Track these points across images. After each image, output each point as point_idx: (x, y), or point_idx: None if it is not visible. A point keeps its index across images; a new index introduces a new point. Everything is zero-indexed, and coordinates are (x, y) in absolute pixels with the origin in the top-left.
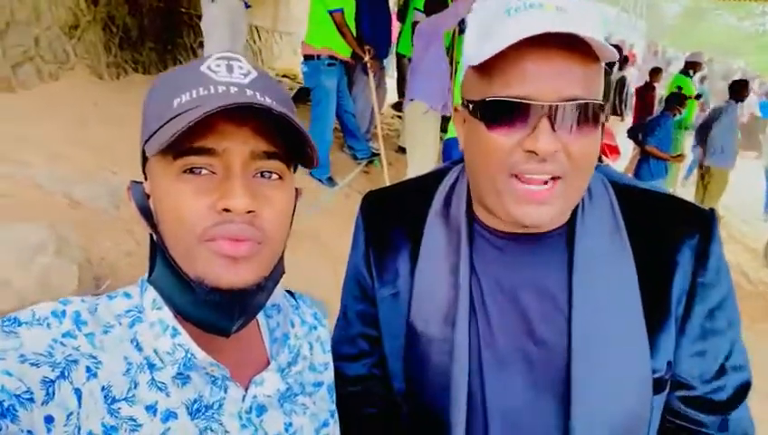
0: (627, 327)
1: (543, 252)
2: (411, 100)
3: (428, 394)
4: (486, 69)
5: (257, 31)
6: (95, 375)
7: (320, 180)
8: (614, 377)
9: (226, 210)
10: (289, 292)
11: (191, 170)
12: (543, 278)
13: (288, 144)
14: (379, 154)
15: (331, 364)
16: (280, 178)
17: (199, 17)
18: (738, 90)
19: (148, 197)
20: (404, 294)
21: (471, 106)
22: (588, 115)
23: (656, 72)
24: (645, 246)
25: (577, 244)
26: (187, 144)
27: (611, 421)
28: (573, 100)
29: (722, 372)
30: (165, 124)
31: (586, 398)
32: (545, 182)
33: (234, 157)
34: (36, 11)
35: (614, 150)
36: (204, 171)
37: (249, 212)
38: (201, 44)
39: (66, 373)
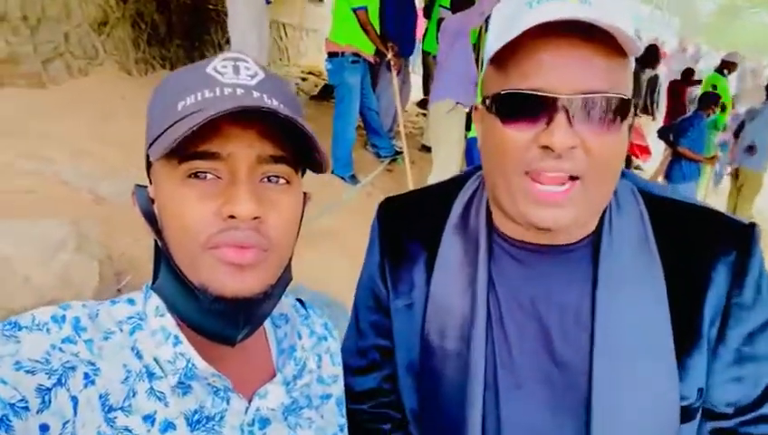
0: (653, 350)
1: (567, 266)
2: (437, 99)
3: (443, 410)
4: (503, 62)
5: (284, 28)
6: (93, 382)
7: (342, 178)
8: (638, 403)
9: (231, 217)
10: (299, 300)
11: (196, 175)
12: (566, 294)
13: (296, 148)
14: (402, 152)
15: (341, 377)
16: (287, 182)
17: (227, 14)
18: None
19: (153, 201)
20: (419, 306)
21: (487, 101)
22: (610, 110)
23: (689, 73)
24: (676, 261)
25: (602, 258)
26: (191, 148)
27: None
28: (593, 93)
29: (762, 401)
30: (169, 127)
31: (607, 424)
32: (562, 183)
33: (239, 161)
34: (67, 8)
35: (645, 151)
36: (209, 176)
37: (255, 218)
38: (228, 41)
39: (63, 380)
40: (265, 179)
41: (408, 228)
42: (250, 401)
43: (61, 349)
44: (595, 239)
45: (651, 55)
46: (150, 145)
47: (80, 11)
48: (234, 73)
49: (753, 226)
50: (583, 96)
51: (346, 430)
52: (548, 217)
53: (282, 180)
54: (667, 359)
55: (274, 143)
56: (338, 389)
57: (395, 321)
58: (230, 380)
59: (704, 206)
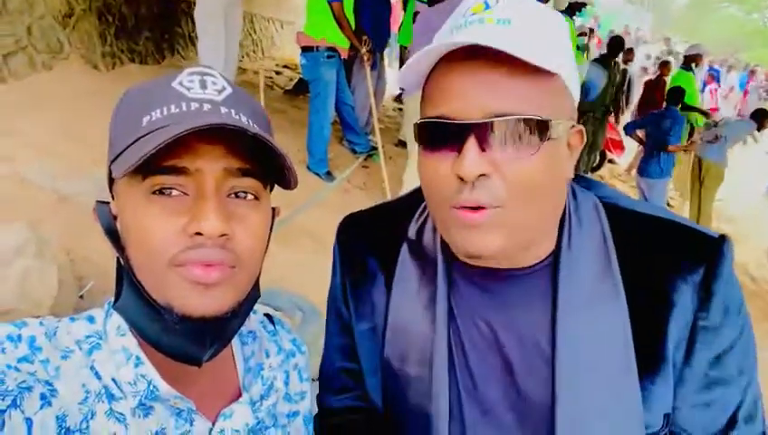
0: (616, 377)
1: (525, 290)
2: (408, 93)
3: (411, 430)
4: (424, 90)
5: (257, 20)
6: (49, 404)
7: (317, 174)
8: (603, 432)
9: (198, 233)
10: (268, 316)
11: (161, 191)
12: (525, 321)
13: (265, 163)
14: (377, 148)
15: (309, 394)
16: (255, 198)
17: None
18: (761, 120)
19: (116, 218)
20: (380, 329)
21: (414, 131)
22: (525, 133)
23: (665, 66)
24: (639, 281)
25: (561, 282)
26: (156, 163)
27: None
28: (503, 116)
29: (731, 425)
30: (133, 143)
31: None
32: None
33: (206, 176)
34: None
35: (618, 145)
36: (174, 192)
37: (222, 235)
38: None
39: (18, 402)
40: (233, 195)
41: (366, 247)
42: (214, 422)
43: (17, 368)
44: (554, 261)
45: (615, 48)
46: (113, 160)
47: (43, 2)
48: (200, 88)
49: (723, 239)
50: (491, 120)
51: None
52: (475, 242)
53: (250, 196)
54: (630, 386)
55: (242, 158)
56: (305, 405)
57: (359, 344)
58: (194, 399)
59: (671, 218)
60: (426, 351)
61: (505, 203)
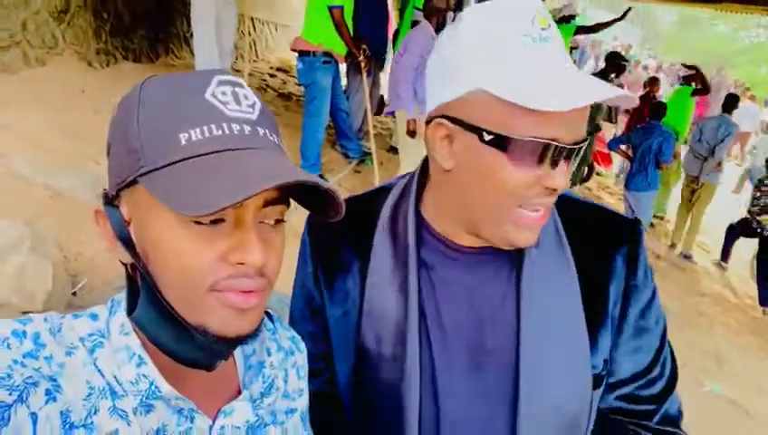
0: (571, 331)
1: (497, 263)
2: (393, 108)
3: (379, 414)
4: (509, 103)
5: (252, 22)
6: (54, 399)
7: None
8: (559, 377)
9: (241, 263)
10: (267, 313)
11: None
12: (494, 287)
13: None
14: (370, 153)
15: (307, 391)
16: (280, 220)
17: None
18: (732, 103)
19: (127, 223)
20: (353, 314)
21: (485, 134)
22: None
23: (654, 82)
24: (584, 254)
25: (525, 255)
26: None
27: (556, 419)
28: (583, 142)
29: (653, 365)
30: (174, 164)
31: (533, 400)
32: (538, 210)
33: (248, 207)
34: None
35: (606, 159)
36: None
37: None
38: (193, 35)
39: (24, 397)
40: (263, 221)
41: (339, 237)
42: (214, 419)
43: (23, 364)
44: None
45: (614, 63)
46: (143, 172)
47: None
48: (236, 104)
49: (638, 221)
50: (579, 146)
51: None
52: (530, 238)
53: (277, 220)
54: (581, 338)
55: (280, 188)
56: (303, 403)
57: (332, 328)
58: (194, 397)
59: (600, 205)
60: (399, 329)
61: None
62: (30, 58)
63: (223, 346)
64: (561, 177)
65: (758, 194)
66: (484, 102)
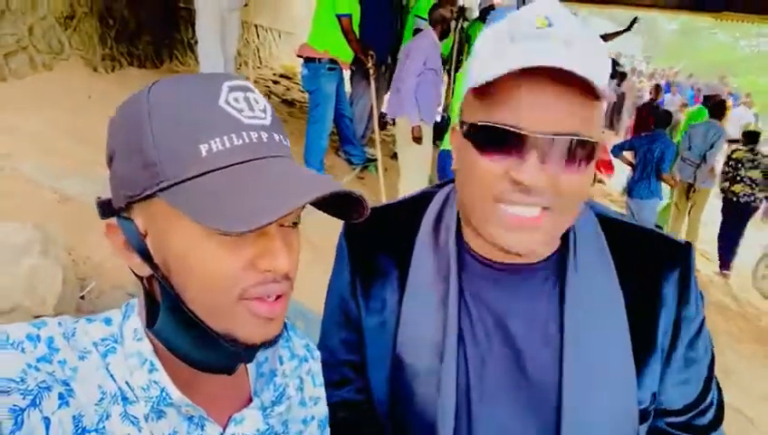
0: (616, 362)
1: (533, 283)
2: (392, 114)
3: (415, 427)
4: (484, 93)
5: (256, 29)
6: (67, 404)
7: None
8: (603, 412)
9: (268, 271)
10: None
11: None
12: (534, 309)
13: None
14: (375, 160)
15: (323, 398)
16: (295, 223)
17: None
18: (719, 110)
19: (144, 235)
20: (391, 324)
21: (465, 128)
22: (580, 152)
23: (657, 89)
24: (632, 280)
25: (568, 277)
26: None
27: None
28: (565, 134)
29: (703, 396)
30: (197, 178)
31: (576, 432)
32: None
33: None
34: (32, 0)
35: (608, 166)
36: None
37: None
38: (197, 41)
39: (38, 401)
40: (281, 224)
41: (377, 246)
42: (225, 427)
43: (37, 368)
44: (559, 258)
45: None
46: (166, 187)
47: (45, 3)
48: (249, 111)
49: (690, 245)
50: (556, 137)
51: None
52: (518, 241)
53: (295, 222)
54: (627, 370)
55: None
56: (320, 411)
57: (367, 338)
58: (205, 404)
59: (646, 227)
60: (437, 345)
61: (554, 207)
62: (36, 63)
63: (251, 352)
64: (529, 170)
65: (726, 169)
66: (468, 100)
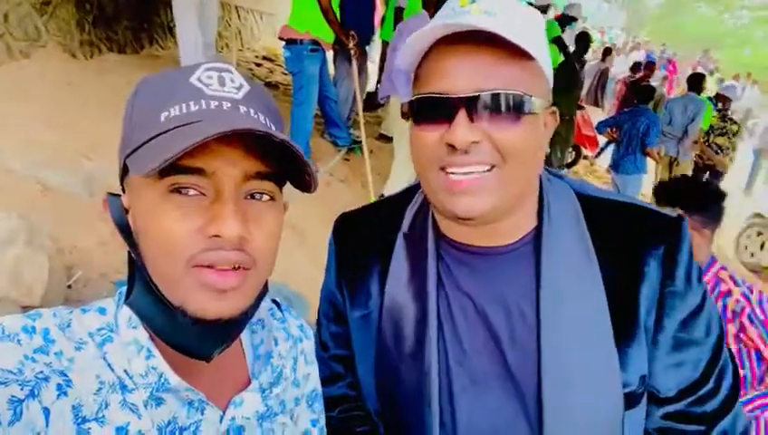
0: (595, 343)
1: (509, 266)
2: (383, 93)
3: (402, 413)
4: (417, 74)
5: (237, 11)
6: (65, 394)
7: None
8: (585, 394)
9: (216, 236)
10: (275, 302)
11: (178, 190)
12: (511, 295)
13: (280, 163)
14: (360, 142)
15: (314, 375)
16: (271, 199)
17: None
18: (697, 83)
19: (127, 211)
20: (375, 315)
21: (404, 107)
22: (508, 105)
23: (650, 67)
24: (611, 257)
25: (543, 258)
26: (175, 163)
27: None
28: (489, 91)
29: (703, 381)
30: (151, 139)
31: (558, 416)
32: (471, 172)
33: (225, 178)
34: None
35: (593, 142)
36: (191, 191)
37: (240, 238)
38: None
39: (36, 392)
40: (249, 196)
41: (363, 241)
42: (225, 409)
43: (33, 359)
44: (535, 239)
45: (582, 44)
46: (129, 154)
47: None
48: (219, 85)
49: (681, 218)
50: (481, 93)
51: (320, 424)
52: (466, 205)
53: (266, 197)
54: (608, 351)
55: (260, 160)
56: (310, 386)
57: (353, 331)
58: (203, 388)
59: (634, 202)
60: (418, 329)
61: (498, 164)
62: (13, 51)
63: (201, 328)
64: (456, 130)
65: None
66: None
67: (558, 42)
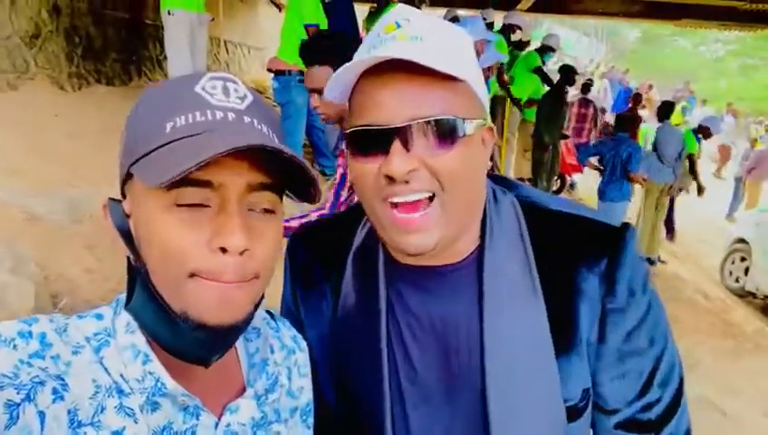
0: (536, 358)
1: (455, 284)
2: None
3: (359, 425)
4: (350, 106)
5: (225, 45)
6: (61, 398)
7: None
8: (528, 408)
9: (222, 249)
10: (269, 313)
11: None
12: (458, 312)
13: (281, 173)
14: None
15: (308, 387)
16: (272, 211)
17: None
18: (668, 111)
19: (128, 216)
20: (328, 334)
21: (344, 140)
22: (442, 131)
23: (637, 98)
24: (550, 272)
25: (486, 275)
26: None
27: None
28: (421, 118)
29: (646, 390)
30: (157, 149)
31: (503, 431)
32: (416, 210)
33: (230, 191)
34: None
35: (576, 168)
36: (197, 202)
37: (244, 250)
38: (166, 57)
39: (32, 396)
40: (252, 209)
41: (316, 259)
42: (220, 416)
43: (29, 364)
44: (478, 257)
45: (568, 75)
46: (134, 162)
47: (9, 23)
48: (224, 95)
49: (625, 227)
50: (411, 123)
51: None
52: (413, 242)
53: (267, 208)
54: (549, 365)
55: (264, 173)
56: (304, 400)
57: (311, 347)
58: (199, 394)
59: (578, 213)
60: (370, 348)
61: (438, 193)
62: (2, 83)
63: (202, 334)
64: (393, 161)
65: None
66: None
67: (539, 72)
